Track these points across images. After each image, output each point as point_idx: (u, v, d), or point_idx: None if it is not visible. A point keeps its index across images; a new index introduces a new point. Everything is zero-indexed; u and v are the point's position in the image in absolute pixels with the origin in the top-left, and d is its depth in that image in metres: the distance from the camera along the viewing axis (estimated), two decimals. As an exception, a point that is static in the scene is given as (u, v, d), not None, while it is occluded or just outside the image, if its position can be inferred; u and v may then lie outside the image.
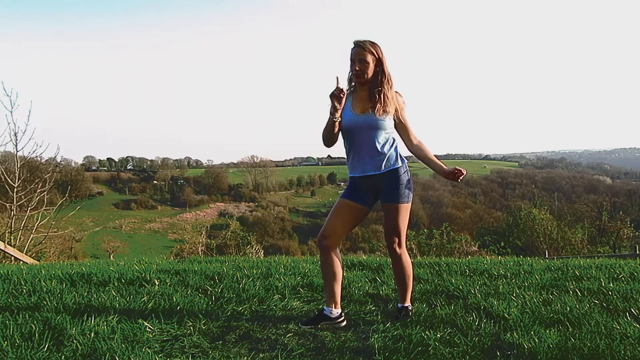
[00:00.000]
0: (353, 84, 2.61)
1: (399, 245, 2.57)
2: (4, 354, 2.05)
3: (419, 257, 7.33)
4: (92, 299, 2.91)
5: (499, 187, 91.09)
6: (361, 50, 2.49)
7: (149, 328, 2.40)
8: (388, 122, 2.54)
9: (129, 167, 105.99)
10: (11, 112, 9.00)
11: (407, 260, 2.63)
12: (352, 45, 2.52)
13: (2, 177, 8.93)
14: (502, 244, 17.41)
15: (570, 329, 2.33)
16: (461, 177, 2.55)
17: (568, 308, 2.66)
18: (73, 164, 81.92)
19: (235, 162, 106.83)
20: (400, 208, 2.54)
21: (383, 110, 2.51)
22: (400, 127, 2.62)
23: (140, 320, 2.48)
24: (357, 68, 2.49)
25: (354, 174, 2.60)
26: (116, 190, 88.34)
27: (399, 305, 2.71)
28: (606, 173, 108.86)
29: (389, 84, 2.54)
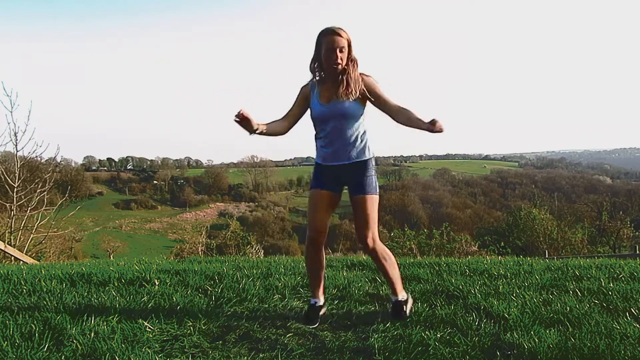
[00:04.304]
0: (322, 73, 2.54)
1: (372, 238, 2.55)
2: (4, 354, 2.05)
3: (419, 257, 7.32)
4: (92, 299, 2.91)
5: (499, 187, 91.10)
6: (340, 38, 2.44)
7: (149, 328, 2.40)
8: (355, 109, 2.50)
9: (129, 167, 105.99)
10: (11, 112, 9.01)
11: (383, 253, 2.61)
12: (324, 33, 2.45)
13: (2, 177, 8.93)
14: (502, 244, 17.38)
15: (570, 329, 2.33)
16: (439, 126, 2.31)
17: (568, 308, 2.66)
18: (73, 164, 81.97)
19: (235, 162, 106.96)
20: (370, 199, 2.52)
21: (346, 93, 2.47)
22: (381, 104, 2.55)
23: (140, 320, 2.48)
24: (339, 57, 2.45)
25: (325, 162, 2.58)
26: (116, 190, 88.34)
27: (392, 299, 2.70)
28: (606, 173, 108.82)
29: (355, 67, 2.51)
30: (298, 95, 2.64)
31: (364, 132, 2.59)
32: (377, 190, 2.58)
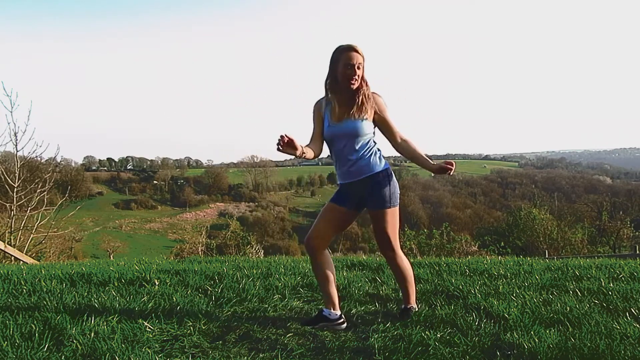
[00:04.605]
0: (330, 93, 2.54)
1: (391, 249, 2.55)
2: (4, 354, 2.05)
3: (419, 257, 7.33)
4: (92, 299, 2.91)
5: (499, 187, 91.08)
6: (358, 55, 2.44)
7: (149, 328, 2.40)
8: (366, 127, 2.49)
9: (129, 167, 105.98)
10: (11, 112, 9.01)
11: (402, 264, 2.60)
12: (342, 49, 2.44)
13: (2, 177, 8.93)
14: (502, 244, 17.39)
15: (570, 329, 2.33)
16: (451, 171, 2.46)
17: (568, 308, 2.66)
18: (73, 164, 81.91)
19: (235, 162, 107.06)
20: (385, 213, 2.49)
21: (359, 112, 2.46)
22: (385, 127, 2.57)
23: (140, 320, 2.48)
24: (358, 74, 2.45)
25: (339, 180, 2.61)
26: (116, 190, 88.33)
27: (402, 306, 2.71)
28: (606, 173, 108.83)
29: (367, 85, 2.51)
30: (314, 115, 2.61)
31: (374, 146, 2.56)
32: (394, 202, 2.52)
